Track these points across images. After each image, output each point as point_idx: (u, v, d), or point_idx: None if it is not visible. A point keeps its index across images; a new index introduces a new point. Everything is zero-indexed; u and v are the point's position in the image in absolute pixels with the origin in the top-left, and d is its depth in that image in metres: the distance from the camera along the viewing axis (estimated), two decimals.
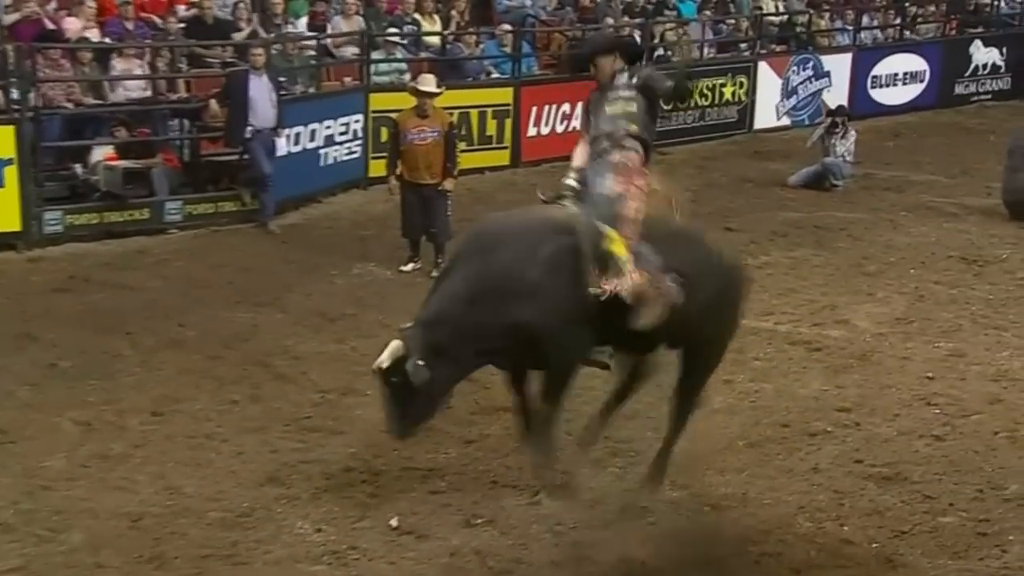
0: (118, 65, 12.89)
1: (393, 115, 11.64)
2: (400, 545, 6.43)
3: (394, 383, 6.45)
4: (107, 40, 13.27)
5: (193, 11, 14.24)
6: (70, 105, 12.37)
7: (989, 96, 20.48)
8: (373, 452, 7.45)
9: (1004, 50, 20.57)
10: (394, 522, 6.62)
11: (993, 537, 6.59)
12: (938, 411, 8.20)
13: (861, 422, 8.01)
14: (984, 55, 20.38)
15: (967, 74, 20.26)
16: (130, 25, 13.45)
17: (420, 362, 6.34)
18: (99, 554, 6.29)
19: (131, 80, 12.92)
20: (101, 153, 12.31)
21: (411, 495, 6.94)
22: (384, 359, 6.43)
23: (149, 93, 12.95)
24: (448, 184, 11.08)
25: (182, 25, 13.96)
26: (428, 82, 11.32)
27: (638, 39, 7.12)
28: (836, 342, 9.42)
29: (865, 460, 7.46)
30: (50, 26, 13.05)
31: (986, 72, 20.46)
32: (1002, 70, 20.59)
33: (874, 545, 6.52)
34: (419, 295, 10.28)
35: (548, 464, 6.82)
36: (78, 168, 12.26)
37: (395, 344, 6.45)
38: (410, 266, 11.24)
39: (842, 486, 7.13)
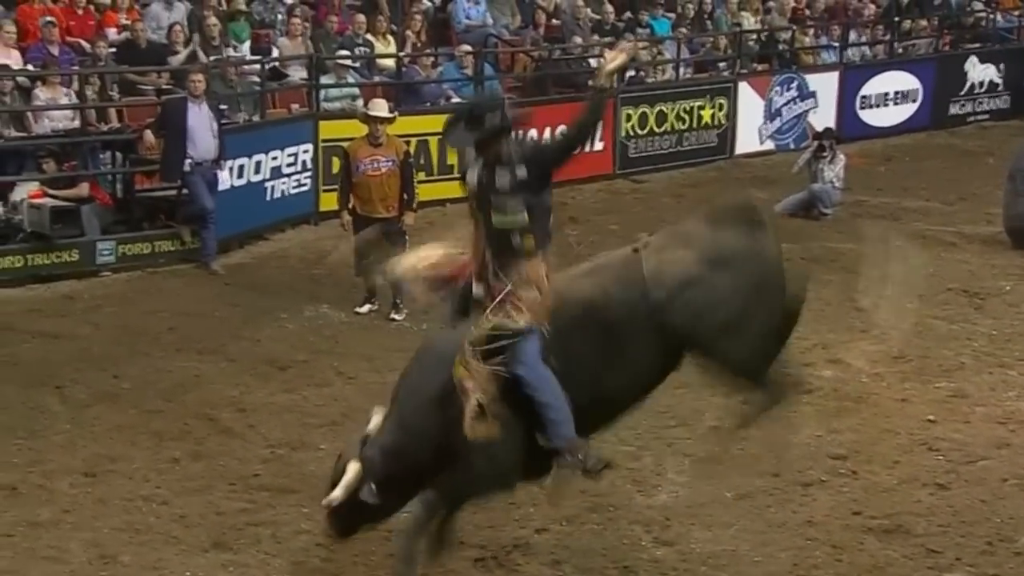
0: (42, 94, 12.84)
1: (344, 144, 11.66)
2: None
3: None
4: (30, 67, 13.25)
5: (125, 34, 14.26)
6: None
7: (987, 116, 20.64)
8: None
9: (1001, 66, 20.73)
10: None
11: None
12: (941, 457, 8.25)
13: (858, 470, 8.04)
14: (980, 72, 20.53)
15: (963, 93, 20.40)
16: (55, 50, 13.45)
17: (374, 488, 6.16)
18: None
19: (57, 110, 12.89)
20: (25, 190, 12.26)
21: (370, 559, 6.89)
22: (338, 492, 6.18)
23: (77, 124, 12.90)
24: (408, 219, 11.09)
25: (113, 50, 13.97)
26: (380, 107, 11.37)
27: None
28: (829, 383, 9.45)
29: (864, 512, 7.49)
30: None
31: (983, 90, 20.62)
32: (1000, 88, 20.75)
33: None
34: (377, 339, 10.45)
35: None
36: None
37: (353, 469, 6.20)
38: (366, 308, 11.23)
39: (839, 540, 7.15)
